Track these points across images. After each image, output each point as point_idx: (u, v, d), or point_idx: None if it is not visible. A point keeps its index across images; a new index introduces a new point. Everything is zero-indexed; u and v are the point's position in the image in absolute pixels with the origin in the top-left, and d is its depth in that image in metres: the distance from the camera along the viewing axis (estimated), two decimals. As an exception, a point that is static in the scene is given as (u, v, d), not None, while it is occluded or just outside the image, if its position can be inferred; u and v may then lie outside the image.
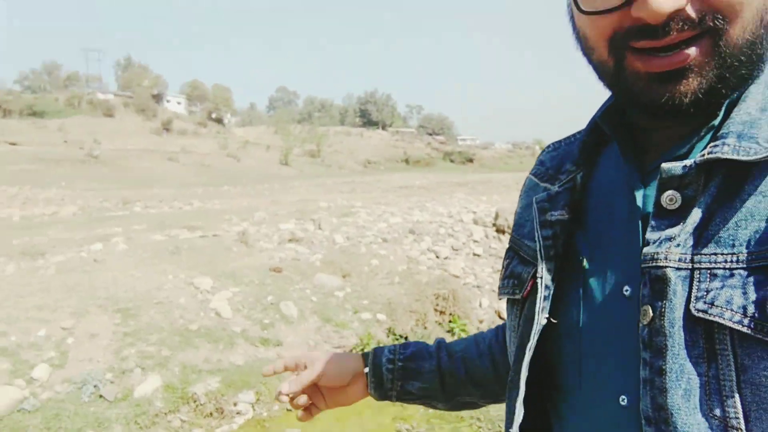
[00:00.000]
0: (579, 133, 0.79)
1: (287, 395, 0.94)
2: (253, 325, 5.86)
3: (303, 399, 0.96)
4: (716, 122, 0.60)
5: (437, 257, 7.87)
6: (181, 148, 45.21)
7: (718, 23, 0.54)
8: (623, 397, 0.62)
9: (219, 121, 69.59)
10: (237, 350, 5.47)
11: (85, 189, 27.25)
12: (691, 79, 0.56)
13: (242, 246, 7.80)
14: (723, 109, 0.60)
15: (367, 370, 0.99)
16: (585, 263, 0.68)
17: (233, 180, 34.81)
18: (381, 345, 1.04)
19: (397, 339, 6.10)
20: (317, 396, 0.99)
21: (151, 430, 4.62)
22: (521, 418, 0.70)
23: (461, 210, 10.74)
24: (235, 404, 5.03)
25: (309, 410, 0.99)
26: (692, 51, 0.55)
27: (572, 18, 0.64)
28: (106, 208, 17.63)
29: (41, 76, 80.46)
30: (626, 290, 0.63)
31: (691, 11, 0.54)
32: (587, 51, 0.63)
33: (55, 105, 62.12)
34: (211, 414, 4.93)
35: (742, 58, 0.56)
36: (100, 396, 4.71)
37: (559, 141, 0.83)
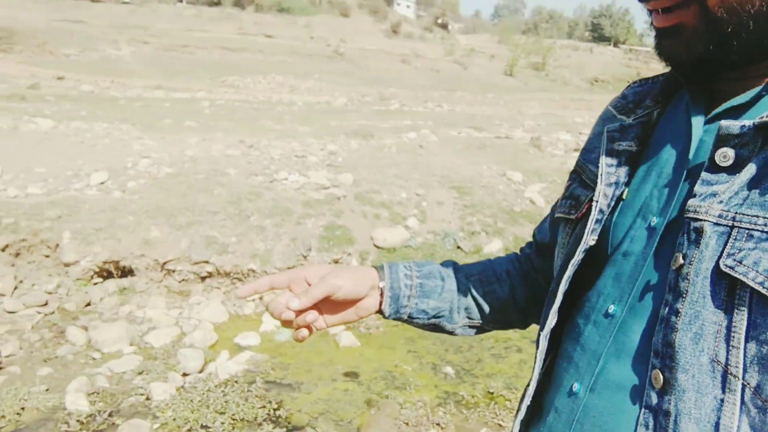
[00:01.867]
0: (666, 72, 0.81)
1: (295, 310, 0.85)
2: (562, 215, 6.94)
3: (312, 315, 0.87)
4: None
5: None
6: (411, 52, 47.09)
7: None
8: (613, 306, 0.70)
9: (444, 26, 70.37)
10: (554, 232, 6.62)
11: (334, 83, 30.21)
12: (683, 37, 0.63)
13: (536, 150, 8.82)
14: None
15: (382, 284, 0.95)
16: (625, 194, 0.74)
17: (461, 86, 35.85)
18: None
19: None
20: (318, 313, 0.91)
21: (495, 280, 6.01)
22: (553, 324, 0.79)
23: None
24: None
25: (310, 328, 0.90)
26: (681, 12, 0.63)
27: None
28: (368, 102, 19.78)
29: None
30: (653, 221, 0.68)
31: None
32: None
33: (299, 2, 67.31)
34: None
35: (732, 23, 0.60)
36: (458, 247, 6.18)
37: (647, 78, 0.85)
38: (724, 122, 0.62)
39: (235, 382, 4.00)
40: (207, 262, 5.28)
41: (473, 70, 45.96)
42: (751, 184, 0.59)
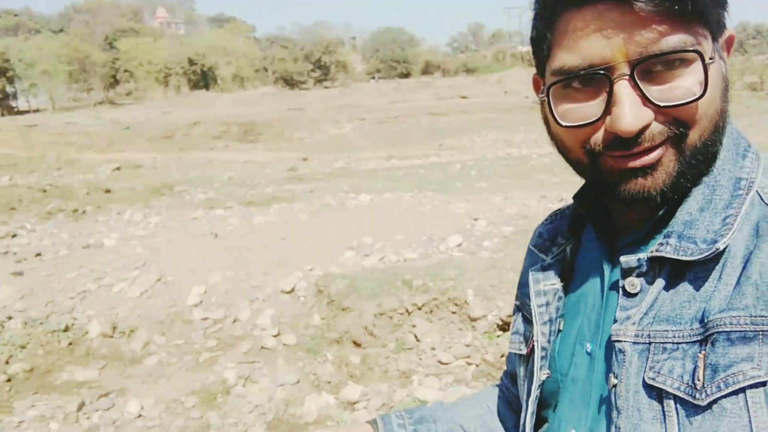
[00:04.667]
0: (569, 207, 0.90)
1: None
2: None
3: None
4: (662, 212, 0.71)
5: None
6: (612, 91, 45.59)
7: (680, 131, 0.64)
8: (573, 430, 0.76)
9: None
10: None
11: (544, 132, 30.17)
12: (658, 174, 0.65)
13: None
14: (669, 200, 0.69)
15: None
16: (561, 325, 0.83)
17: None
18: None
19: None
20: None
21: None
22: None
23: None
24: None
25: None
26: (659, 152, 0.65)
27: (546, 119, 0.74)
28: (601, 148, 19.39)
29: (467, 37, 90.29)
30: (588, 347, 0.76)
31: (657, 125, 0.64)
32: (562, 150, 0.73)
33: (483, 61, 69.19)
34: None
35: (700, 157, 0.67)
36: None
37: (555, 213, 0.94)
38: (623, 258, 0.70)
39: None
40: (598, 311, 5.46)
41: (684, 101, 43.00)
42: (657, 305, 0.67)
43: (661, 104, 0.63)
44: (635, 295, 0.70)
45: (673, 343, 0.65)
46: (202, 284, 6.23)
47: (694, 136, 0.65)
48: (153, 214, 9.89)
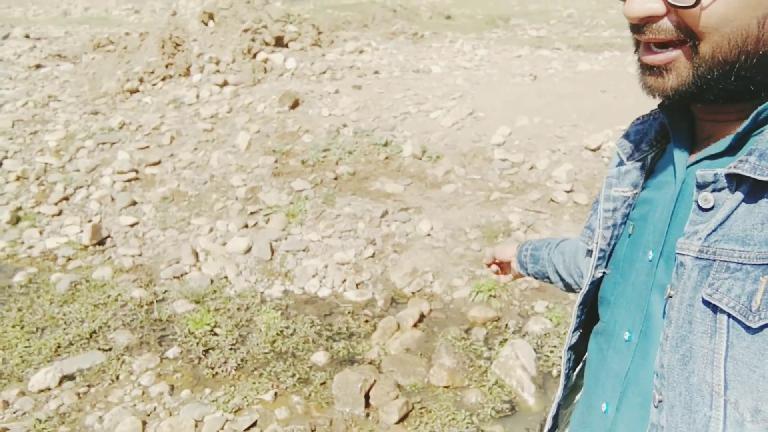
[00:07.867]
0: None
1: (487, 265, 1.57)
2: None
3: (494, 267, 1.56)
4: (743, 128, 0.69)
5: None
6: None
7: (689, 39, 0.67)
8: (627, 333, 0.83)
9: None
10: None
11: None
12: (668, 77, 0.70)
13: None
14: (752, 116, 0.68)
15: (515, 254, 1.42)
16: (630, 230, 0.87)
17: None
18: None
19: None
20: (504, 268, 1.54)
21: None
22: (572, 342, 1.01)
23: None
24: None
25: (498, 274, 1.56)
26: (674, 54, 0.69)
27: None
28: None
29: None
30: (650, 255, 0.80)
31: (666, 22, 0.67)
32: None
33: None
34: None
35: (717, 71, 0.66)
36: None
37: (648, 114, 0.91)
38: (699, 171, 0.71)
39: None
40: None
41: None
42: (728, 223, 0.67)
43: (669, 1, 0.65)
44: (708, 210, 0.70)
45: (738, 263, 0.65)
46: (509, 125, 6.29)
47: (705, 49, 0.66)
48: (481, 47, 10.02)
